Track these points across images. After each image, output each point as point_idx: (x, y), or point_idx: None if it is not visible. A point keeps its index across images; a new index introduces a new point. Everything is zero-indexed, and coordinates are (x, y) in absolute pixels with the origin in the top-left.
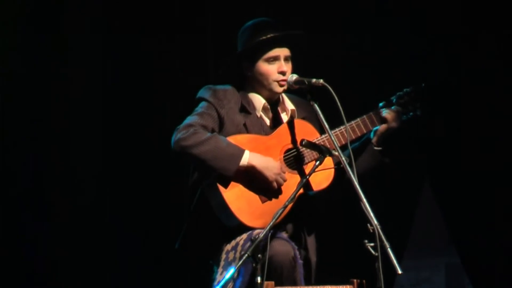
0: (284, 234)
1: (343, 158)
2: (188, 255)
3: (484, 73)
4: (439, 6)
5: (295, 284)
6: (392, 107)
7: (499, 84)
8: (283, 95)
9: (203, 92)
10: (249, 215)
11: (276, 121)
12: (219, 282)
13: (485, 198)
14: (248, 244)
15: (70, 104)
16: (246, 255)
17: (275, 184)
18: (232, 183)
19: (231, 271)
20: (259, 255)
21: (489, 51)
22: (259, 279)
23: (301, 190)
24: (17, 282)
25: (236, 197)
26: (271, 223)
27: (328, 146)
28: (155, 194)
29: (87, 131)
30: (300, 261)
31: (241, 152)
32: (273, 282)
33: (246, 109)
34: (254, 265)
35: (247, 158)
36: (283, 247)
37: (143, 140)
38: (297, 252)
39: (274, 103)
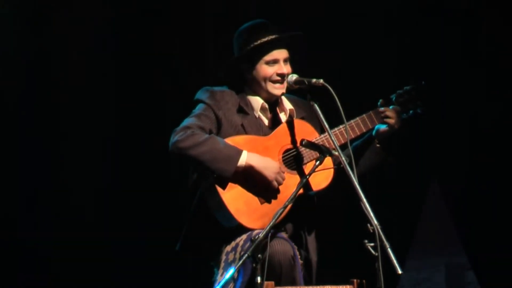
0: (284, 234)
1: (343, 158)
2: (189, 257)
3: (488, 70)
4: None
5: (294, 283)
6: (391, 106)
7: (504, 81)
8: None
9: (200, 94)
10: (247, 217)
11: (275, 122)
12: (219, 282)
13: (494, 197)
14: (248, 244)
15: (72, 107)
16: (246, 255)
17: (275, 183)
18: (231, 184)
19: (230, 271)
20: (259, 255)
21: (493, 46)
22: (259, 279)
23: (301, 190)
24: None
25: (234, 199)
26: (271, 223)
27: (328, 146)
28: (155, 194)
29: (87, 132)
30: (299, 261)
31: (239, 153)
32: (273, 282)
33: (244, 110)
34: (254, 265)
35: (245, 159)
36: (282, 246)
37: (143, 141)
38: (296, 252)
39: (273, 104)
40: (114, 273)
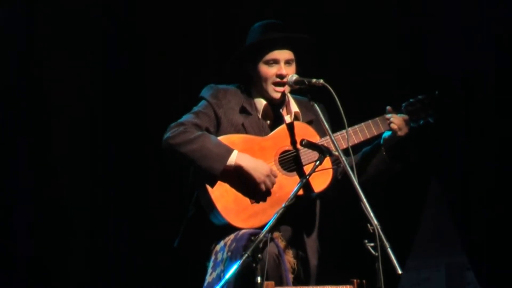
0: (276, 234)
1: (343, 158)
2: (185, 255)
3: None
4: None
5: (281, 282)
6: (399, 114)
7: (506, 83)
8: (289, 96)
9: (204, 91)
10: (235, 215)
11: (278, 123)
12: (213, 283)
13: (494, 199)
14: (234, 244)
15: (70, 102)
16: (246, 255)
17: (263, 186)
18: (220, 183)
19: (231, 271)
20: (259, 255)
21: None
22: (259, 279)
23: (301, 192)
24: (16, 282)
25: (223, 196)
26: (271, 223)
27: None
28: (154, 194)
29: (87, 130)
30: (292, 260)
31: (229, 152)
32: (273, 282)
33: (247, 110)
34: (254, 265)
35: (235, 158)
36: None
37: (142, 140)
38: (282, 251)
39: (278, 105)
40: (112, 272)
